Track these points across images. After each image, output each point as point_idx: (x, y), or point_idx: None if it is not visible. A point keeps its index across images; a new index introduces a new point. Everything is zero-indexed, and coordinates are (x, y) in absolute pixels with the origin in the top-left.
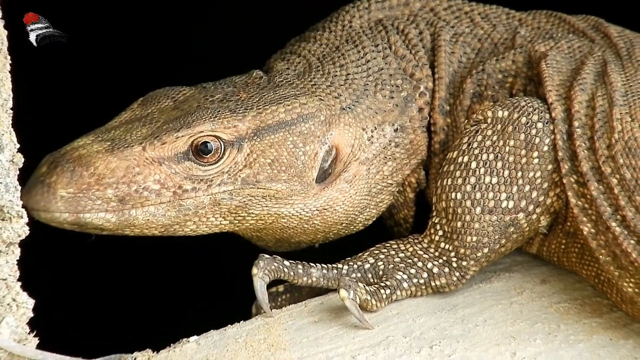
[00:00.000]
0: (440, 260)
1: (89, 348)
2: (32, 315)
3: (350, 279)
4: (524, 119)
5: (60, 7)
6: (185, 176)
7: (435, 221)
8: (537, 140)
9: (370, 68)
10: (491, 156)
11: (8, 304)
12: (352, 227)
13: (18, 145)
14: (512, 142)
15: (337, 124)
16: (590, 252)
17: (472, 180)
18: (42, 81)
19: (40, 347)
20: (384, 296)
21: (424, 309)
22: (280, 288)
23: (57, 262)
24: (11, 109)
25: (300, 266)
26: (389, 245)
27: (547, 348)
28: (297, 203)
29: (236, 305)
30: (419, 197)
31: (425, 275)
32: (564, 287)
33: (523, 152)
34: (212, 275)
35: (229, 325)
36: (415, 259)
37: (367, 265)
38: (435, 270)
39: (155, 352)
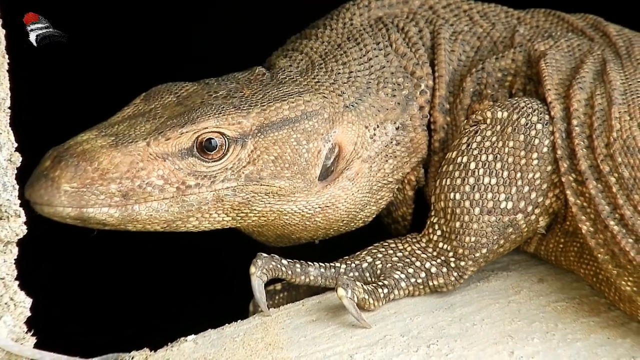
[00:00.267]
0: (439, 260)
1: (88, 344)
2: (29, 314)
3: (348, 277)
4: (523, 120)
5: (60, 7)
6: (188, 172)
7: (434, 221)
8: (537, 141)
9: (372, 66)
10: (490, 157)
11: (6, 303)
12: (352, 224)
13: (16, 144)
14: (511, 143)
15: (340, 121)
16: (589, 251)
17: (471, 180)
18: (40, 80)
19: (38, 343)
20: (382, 295)
21: (422, 308)
22: (278, 286)
23: (56, 259)
24: (9, 108)
25: (298, 265)
26: (387, 244)
27: (544, 347)
28: (299, 200)
29: (235, 302)
30: (418, 195)
31: (423, 274)
32: (561, 286)
33: (522, 153)
34: (211, 271)
35: (227, 324)
36: (413, 259)
37: (364, 264)
38: (434, 270)
39: (152, 351)
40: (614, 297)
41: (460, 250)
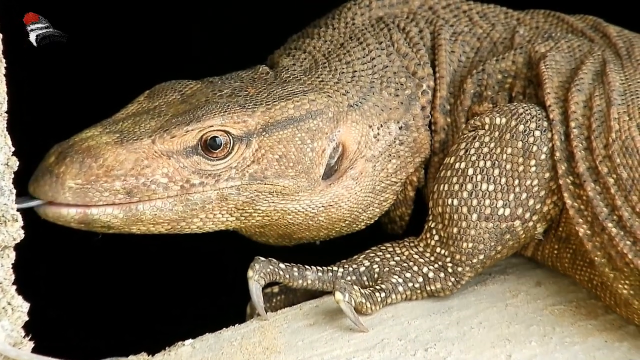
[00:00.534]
0: (436, 265)
1: (87, 348)
2: (27, 318)
3: (345, 281)
4: (521, 127)
5: (60, 7)
6: (193, 170)
7: (432, 226)
8: (535, 148)
9: (375, 65)
10: (488, 163)
11: (3, 308)
12: (354, 226)
13: (13, 149)
14: (509, 150)
15: (344, 120)
16: (582, 257)
17: (469, 186)
18: (37, 83)
19: (36, 348)
20: (379, 299)
21: (419, 312)
22: (275, 289)
23: (53, 262)
24: (6, 112)
25: (295, 269)
26: (384, 248)
27: (542, 350)
28: (303, 199)
29: (236, 303)
30: (416, 195)
31: (420, 279)
32: (558, 290)
33: (520, 160)
34: (211, 273)
35: (224, 329)
36: (411, 263)
37: (362, 268)
38: (431, 275)
39: (150, 356)
40: (609, 302)
41: (458, 256)
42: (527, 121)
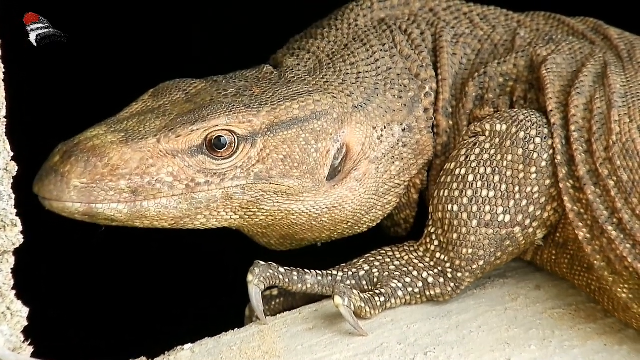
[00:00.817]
0: (436, 270)
1: (88, 351)
2: (26, 323)
3: (345, 285)
4: (522, 134)
5: (60, 7)
6: (198, 169)
7: (432, 231)
8: (535, 155)
9: (379, 67)
10: (488, 170)
11: (2, 313)
12: (356, 228)
13: (12, 153)
14: (509, 157)
15: (349, 122)
16: (580, 262)
17: (469, 193)
18: (36, 86)
19: (35, 352)
20: (378, 304)
21: (419, 316)
22: (275, 292)
23: (53, 266)
24: (5, 117)
25: (295, 273)
26: (384, 252)
27: (541, 354)
28: (307, 200)
29: (234, 303)
30: (420, 198)
31: (420, 284)
32: (558, 293)
33: (521, 167)
34: (212, 274)
35: (224, 333)
36: (411, 268)
37: (361, 272)
38: (431, 280)
39: None
40: (608, 306)
41: (458, 262)
42: (528, 128)
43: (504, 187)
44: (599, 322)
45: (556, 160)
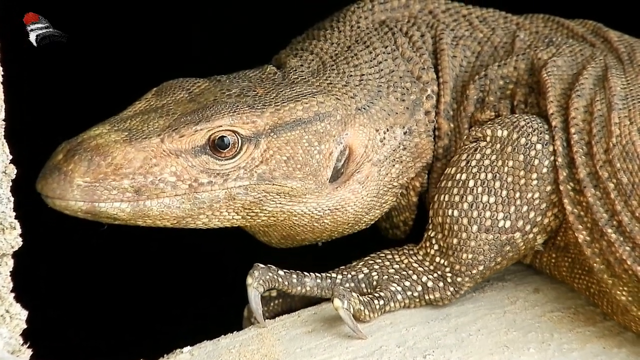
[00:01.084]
0: (435, 275)
1: (88, 349)
2: (25, 326)
3: (344, 288)
4: (523, 140)
5: (60, 7)
6: (201, 169)
7: (431, 235)
8: (536, 162)
9: (382, 70)
10: (489, 175)
11: (1, 316)
12: (356, 227)
13: (10, 157)
14: (510, 163)
15: (352, 124)
16: (580, 265)
17: (470, 198)
18: (34, 90)
19: (34, 355)
20: (377, 307)
21: (418, 319)
22: (273, 293)
23: (52, 269)
24: (3, 120)
25: (294, 276)
26: (383, 255)
27: (540, 357)
28: (310, 201)
29: (234, 303)
30: (419, 200)
31: (419, 288)
32: (557, 296)
33: (522, 173)
34: (209, 275)
35: (223, 336)
36: (410, 272)
37: (361, 275)
38: (430, 284)
39: None
40: (607, 309)
41: (457, 267)
42: (529, 134)
43: (504, 193)
44: (598, 325)
45: (557, 163)
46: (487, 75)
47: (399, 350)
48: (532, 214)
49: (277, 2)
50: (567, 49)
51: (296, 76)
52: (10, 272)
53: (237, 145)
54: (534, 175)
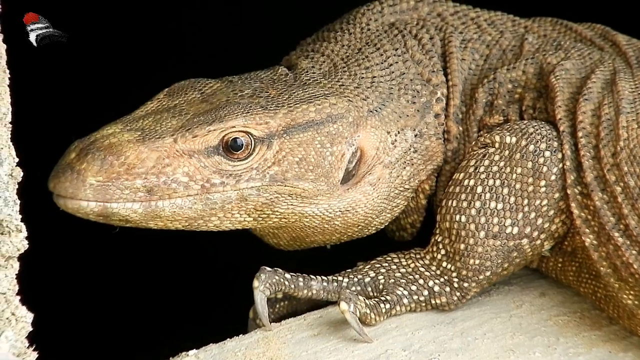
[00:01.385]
0: (442, 279)
1: (94, 355)
2: (31, 329)
3: (350, 292)
4: (531, 147)
5: (60, 7)
6: (214, 170)
7: (438, 239)
8: (545, 169)
9: (393, 72)
10: (497, 182)
11: (7, 318)
12: (366, 231)
13: (17, 159)
14: (519, 170)
15: (364, 126)
16: (588, 270)
17: (477, 204)
18: (40, 90)
19: (40, 358)
20: (384, 310)
21: (423, 322)
22: (279, 295)
23: (57, 273)
24: (10, 122)
25: (301, 279)
26: (389, 259)
27: None
28: (321, 203)
29: (238, 305)
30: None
31: (426, 292)
32: (563, 300)
33: (530, 180)
34: (214, 277)
35: (228, 339)
36: (417, 276)
37: (367, 279)
38: (437, 288)
39: None
40: (613, 314)
41: (464, 272)
42: (538, 141)
43: (512, 199)
44: (604, 329)
45: (565, 167)
46: (496, 78)
47: (405, 354)
48: (539, 221)
49: (284, 3)
50: (575, 52)
51: (308, 78)
52: (16, 274)
53: (250, 147)
54: (542, 182)
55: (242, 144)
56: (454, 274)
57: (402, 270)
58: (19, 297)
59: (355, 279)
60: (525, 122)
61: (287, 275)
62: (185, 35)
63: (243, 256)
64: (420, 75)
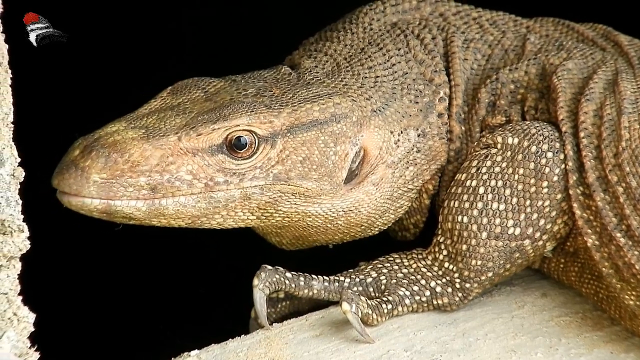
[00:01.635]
0: (444, 280)
1: (96, 355)
2: (33, 329)
3: (352, 292)
4: (534, 148)
5: (60, 7)
6: (217, 168)
7: (440, 240)
8: (547, 170)
9: (396, 72)
10: (500, 183)
11: (9, 319)
12: (369, 231)
13: (19, 159)
14: (521, 171)
15: (367, 125)
16: (590, 270)
17: (480, 205)
18: (43, 95)
19: (42, 359)
20: (386, 311)
21: (425, 323)
22: (281, 294)
23: (59, 273)
24: (12, 122)
25: (302, 278)
26: (391, 259)
27: None
28: (324, 202)
29: (239, 304)
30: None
31: (428, 293)
32: (564, 301)
33: (532, 181)
34: (216, 279)
35: (230, 339)
36: (419, 276)
37: (369, 279)
38: (439, 289)
39: None
40: (614, 314)
41: (466, 273)
42: (540, 142)
43: (514, 200)
44: (606, 330)
45: (567, 168)
46: (499, 79)
47: (407, 354)
48: (542, 222)
49: (285, 3)
50: (577, 53)
51: (311, 77)
52: (18, 275)
53: (254, 146)
54: (545, 183)
55: (246, 143)
56: (456, 275)
57: (404, 270)
58: (20, 298)
59: (357, 279)
60: (528, 122)
61: (288, 274)
62: (186, 35)
63: (245, 256)
64: (422, 75)
